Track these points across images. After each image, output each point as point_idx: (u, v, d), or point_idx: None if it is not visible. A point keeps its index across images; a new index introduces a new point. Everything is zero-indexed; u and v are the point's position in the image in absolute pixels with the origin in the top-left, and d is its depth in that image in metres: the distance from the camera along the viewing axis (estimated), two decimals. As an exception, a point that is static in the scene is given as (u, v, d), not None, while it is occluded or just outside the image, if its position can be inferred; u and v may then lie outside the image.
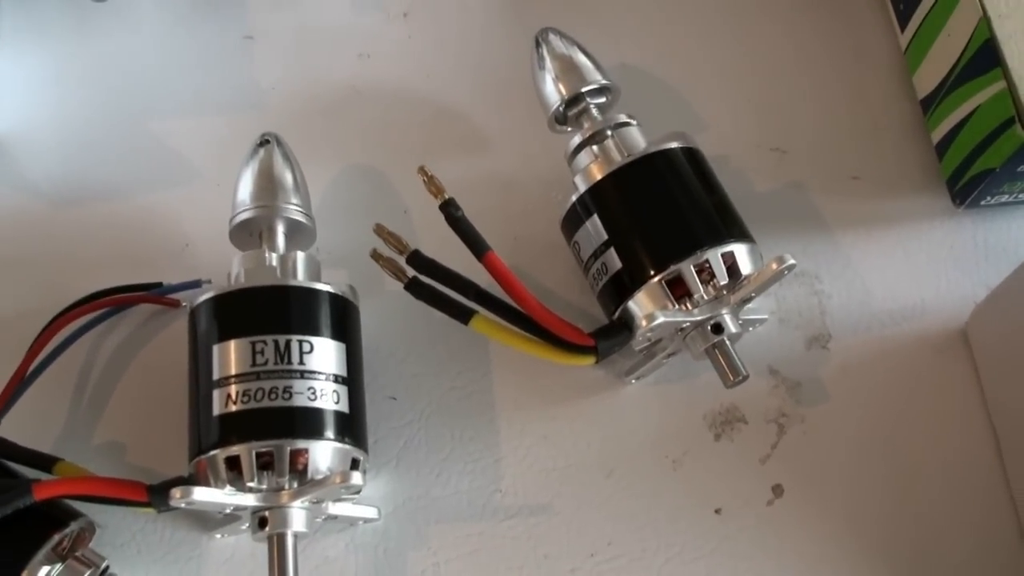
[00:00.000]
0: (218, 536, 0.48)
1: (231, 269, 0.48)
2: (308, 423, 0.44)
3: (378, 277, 0.51)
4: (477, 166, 0.56)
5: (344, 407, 0.45)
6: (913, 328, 0.52)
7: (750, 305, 0.49)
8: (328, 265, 0.50)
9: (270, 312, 0.45)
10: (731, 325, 0.47)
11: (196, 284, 0.51)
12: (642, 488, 0.49)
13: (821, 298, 0.52)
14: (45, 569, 0.44)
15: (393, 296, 0.51)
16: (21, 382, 0.48)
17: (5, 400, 0.47)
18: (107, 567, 0.45)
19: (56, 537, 0.44)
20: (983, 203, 0.52)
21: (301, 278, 0.47)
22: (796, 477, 0.49)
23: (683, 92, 0.57)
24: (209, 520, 0.48)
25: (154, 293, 0.51)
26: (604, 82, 0.51)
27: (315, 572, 0.48)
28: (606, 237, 0.47)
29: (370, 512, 0.48)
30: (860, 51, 0.58)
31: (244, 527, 0.47)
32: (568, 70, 0.51)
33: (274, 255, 0.48)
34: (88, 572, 0.44)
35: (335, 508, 0.46)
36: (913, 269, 0.53)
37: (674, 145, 0.48)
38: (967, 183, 0.52)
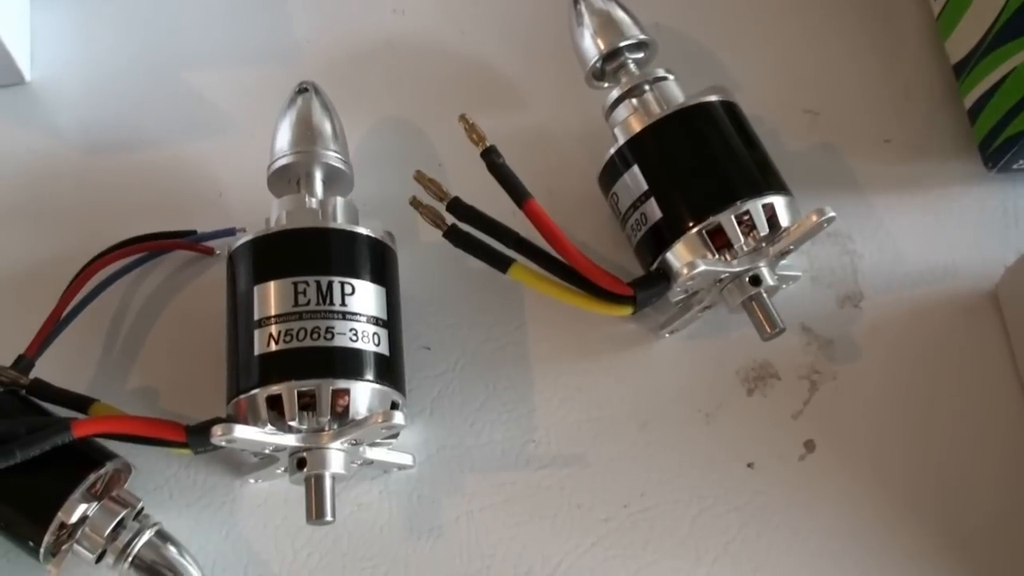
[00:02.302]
0: (252, 481, 0.48)
1: (270, 213, 0.48)
2: (349, 363, 0.44)
3: (412, 228, 0.51)
4: (510, 121, 0.56)
5: (384, 350, 0.45)
6: (944, 289, 0.52)
7: (784, 262, 0.49)
8: (363, 216, 0.49)
9: (312, 253, 0.45)
10: (769, 278, 0.47)
11: (230, 232, 0.51)
12: (675, 441, 0.49)
13: (853, 258, 0.53)
14: (82, 508, 0.43)
15: (428, 247, 0.51)
16: (56, 324, 0.48)
17: (40, 342, 0.47)
18: (142, 508, 0.45)
19: (92, 477, 0.44)
20: (1015, 167, 0.53)
21: (341, 222, 0.47)
22: (828, 433, 0.49)
23: (717, 53, 0.57)
24: (242, 465, 0.48)
25: (188, 240, 0.51)
26: (642, 37, 0.51)
27: (349, 518, 0.48)
28: (646, 188, 0.47)
29: (405, 459, 0.48)
30: (892, 17, 0.58)
31: (279, 471, 0.47)
32: (606, 25, 0.51)
33: (314, 199, 0.48)
34: (123, 512, 0.44)
35: (372, 453, 0.46)
36: (944, 231, 0.53)
37: (713, 98, 0.48)
38: (1000, 146, 0.52)
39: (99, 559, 0.44)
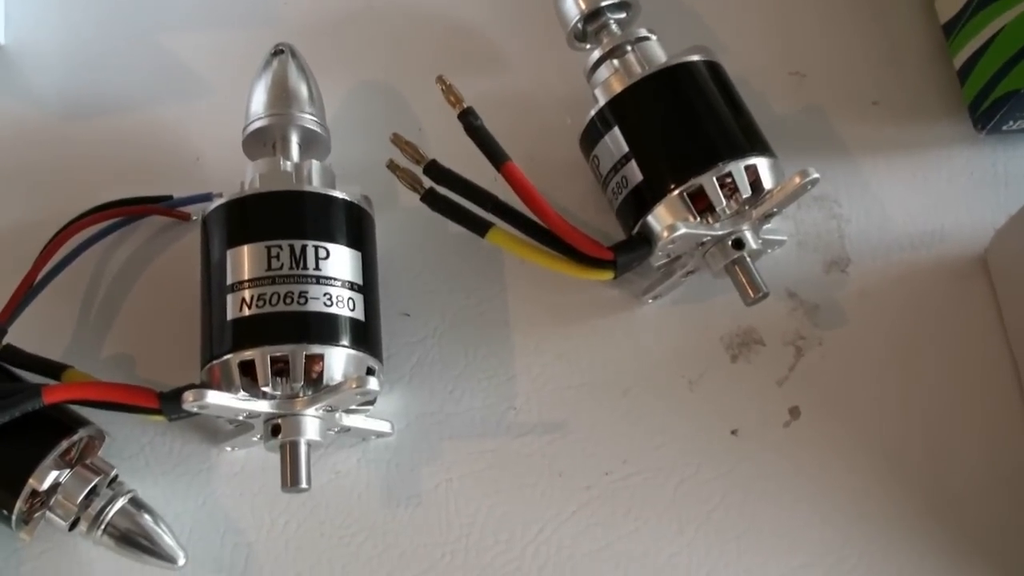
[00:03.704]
0: (228, 449, 0.47)
1: (244, 176, 0.47)
2: (323, 329, 0.43)
3: (391, 193, 0.51)
4: (493, 85, 0.55)
5: (360, 315, 0.44)
6: (932, 254, 0.51)
7: (769, 226, 0.48)
8: (341, 181, 0.49)
9: (285, 217, 0.44)
10: (752, 241, 0.46)
11: (207, 197, 0.50)
12: (658, 408, 0.49)
13: (840, 222, 0.52)
14: (53, 475, 0.43)
15: (407, 212, 0.51)
16: (29, 290, 0.47)
17: (13, 307, 0.47)
18: (116, 476, 0.45)
19: (64, 444, 0.43)
20: (1005, 128, 0.52)
21: (316, 185, 0.46)
22: (813, 400, 0.49)
23: (702, 14, 0.56)
24: (219, 432, 0.48)
25: (164, 205, 0.51)
26: (624, -4, 0.50)
27: (327, 486, 0.47)
28: (627, 150, 0.46)
29: (383, 426, 0.47)
30: (881, -25, 0.57)
31: (255, 439, 0.46)
32: (588, -15, 0.50)
33: (289, 162, 0.47)
34: (97, 479, 0.44)
35: (349, 420, 0.45)
36: (933, 194, 0.52)
37: (696, 58, 0.47)
38: (990, 106, 0.51)
39: (72, 526, 0.44)
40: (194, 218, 0.51)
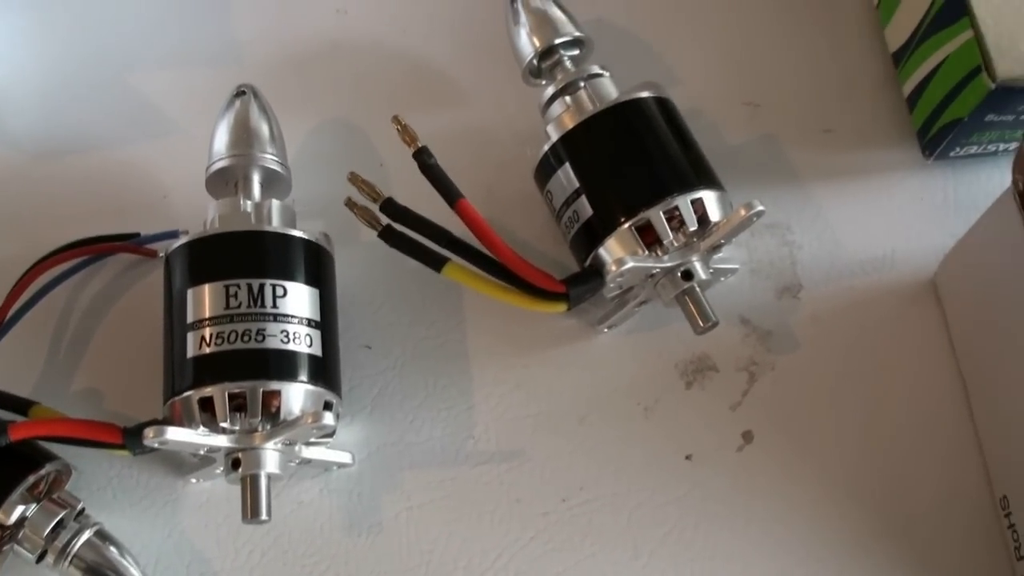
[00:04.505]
0: (193, 480, 0.49)
1: (206, 216, 0.48)
2: (281, 365, 0.44)
3: (353, 228, 0.51)
4: (453, 120, 0.56)
5: (317, 351, 0.45)
6: (883, 278, 0.52)
7: (721, 255, 0.49)
8: (303, 217, 0.50)
9: (244, 256, 0.46)
10: (701, 272, 0.47)
11: (173, 234, 0.51)
12: (614, 435, 0.50)
13: (792, 249, 0.53)
14: (20, 509, 0.44)
15: (368, 247, 0.51)
16: (-1, 328, 0.48)
17: (-17, 345, 0.48)
18: (83, 509, 0.46)
19: (31, 479, 0.44)
20: (952, 154, 0.53)
21: (276, 224, 0.47)
22: (766, 424, 0.50)
23: (658, 47, 0.57)
24: (184, 464, 0.49)
25: (132, 243, 0.52)
26: (577, 34, 0.51)
27: (289, 516, 0.48)
28: (577, 185, 0.47)
29: (344, 457, 0.48)
30: (833, 5, 0.58)
31: (219, 471, 0.47)
32: (542, 23, 0.51)
33: (249, 202, 0.48)
34: (63, 513, 0.45)
35: (309, 452, 0.46)
36: (883, 220, 0.53)
37: (645, 94, 0.49)
38: (936, 134, 0.52)
39: (39, 559, 0.45)
40: (161, 255, 0.52)
